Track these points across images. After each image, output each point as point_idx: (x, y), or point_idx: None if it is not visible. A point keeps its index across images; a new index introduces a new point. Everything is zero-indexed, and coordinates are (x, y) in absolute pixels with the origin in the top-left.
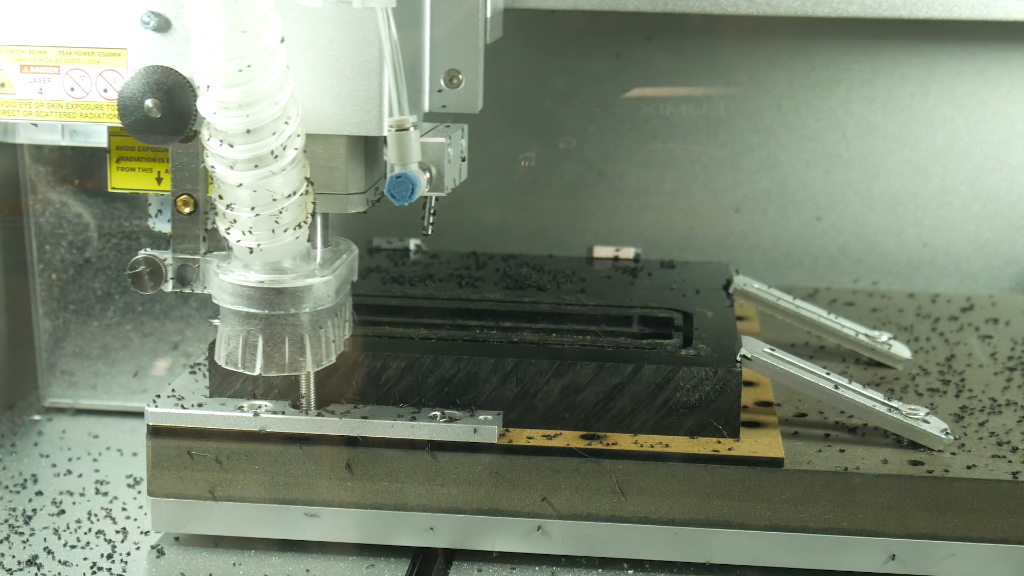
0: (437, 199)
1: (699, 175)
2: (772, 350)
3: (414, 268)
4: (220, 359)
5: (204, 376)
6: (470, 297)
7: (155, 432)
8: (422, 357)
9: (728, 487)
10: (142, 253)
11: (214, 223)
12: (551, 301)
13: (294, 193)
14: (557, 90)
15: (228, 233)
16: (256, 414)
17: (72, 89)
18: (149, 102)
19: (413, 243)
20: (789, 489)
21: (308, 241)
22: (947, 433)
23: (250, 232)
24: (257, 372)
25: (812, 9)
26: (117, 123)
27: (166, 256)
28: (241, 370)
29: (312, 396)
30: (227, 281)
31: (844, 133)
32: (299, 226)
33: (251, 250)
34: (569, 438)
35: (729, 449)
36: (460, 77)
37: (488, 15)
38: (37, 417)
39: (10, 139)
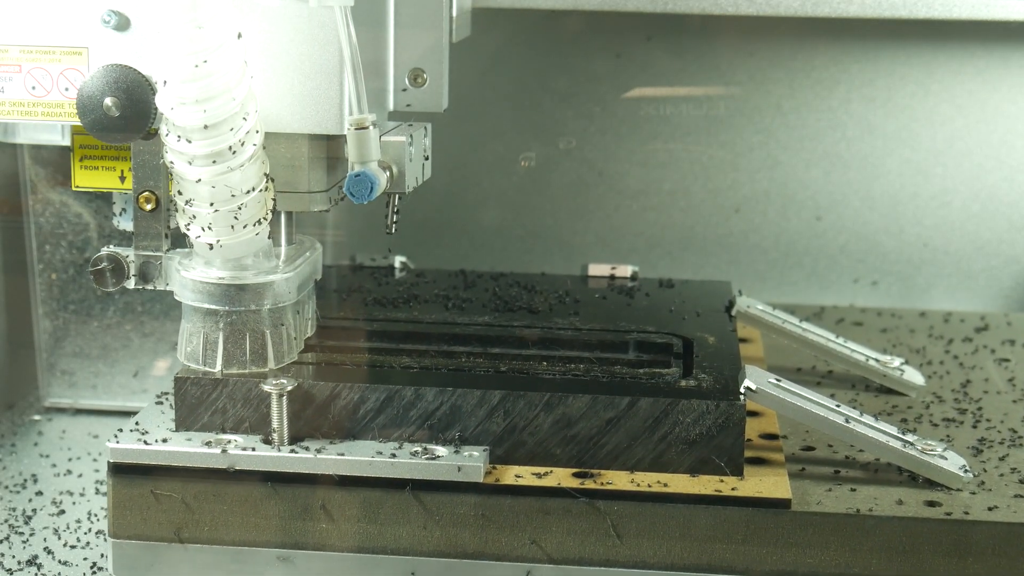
0: (401, 198)
1: (699, 175)
2: (778, 380)
3: (398, 288)
4: (181, 356)
5: (171, 407)
6: (456, 321)
7: (117, 470)
8: (403, 389)
9: (731, 530)
10: (104, 250)
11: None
12: (543, 325)
13: (253, 189)
14: (557, 90)
15: (188, 229)
16: (224, 450)
17: (33, 88)
18: (108, 101)
19: (399, 260)
20: (797, 532)
21: (270, 238)
22: (966, 470)
23: (209, 228)
24: (218, 369)
25: (812, 9)
26: (78, 122)
27: (128, 253)
28: (202, 367)
29: (285, 431)
30: (188, 278)
31: (844, 133)
32: (259, 222)
33: (211, 246)
34: (561, 476)
35: (732, 489)
36: (425, 76)
37: (454, 14)
38: (37, 417)
39: (10, 139)
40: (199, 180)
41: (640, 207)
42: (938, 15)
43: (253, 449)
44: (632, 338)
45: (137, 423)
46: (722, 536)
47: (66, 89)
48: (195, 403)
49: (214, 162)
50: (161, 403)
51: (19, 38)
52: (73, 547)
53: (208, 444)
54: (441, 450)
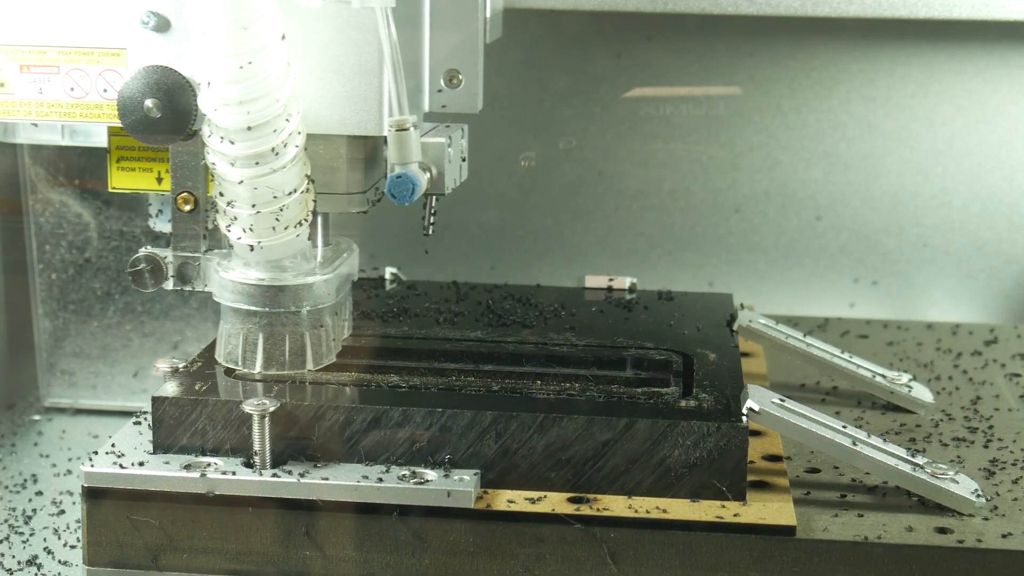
0: (438, 199)
1: (699, 175)
2: (781, 401)
3: (388, 301)
4: (220, 357)
5: (149, 428)
6: (448, 336)
7: (92, 494)
8: (390, 409)
9: (734, 558)
10: (143, 251)
11: (215, 221)
12: (537, 341)
13: (295, 191)
14: (557, 90)
15: (229, 231)
16: (203, 474)
17: (72, 89)
18: (149, 102)
19: (389, 272)
20: (802, 561)
21: (308, 240)
22: (978, 495)
23: (251, 230)
24: (257, 370)
25: (812, 9)
26: (117, 123)
27: (166, 254)
28: (241, 368)
29: (267, 453)
30: (228, 279)
31: (844, 133)
32: (300, 224)
33: (252, 248)
34: (555, 501)
35: (735, 515)
36: (460, 77)
37: (488, 15)
38: (37, 417)
39: (10, 139)
40: (241, 182)
41: (640, 207)
42: (938, 15)
43: (234, 473)
44: (630, 355)
45: (113, 445)
46: (724, 565)
47: (105, 90)
48: (173, 424)
49: (256, 163)
50: (139, 423)
51: (57, 39)
52: (73, 547)
53: (187, 468)
54: (430, 474)
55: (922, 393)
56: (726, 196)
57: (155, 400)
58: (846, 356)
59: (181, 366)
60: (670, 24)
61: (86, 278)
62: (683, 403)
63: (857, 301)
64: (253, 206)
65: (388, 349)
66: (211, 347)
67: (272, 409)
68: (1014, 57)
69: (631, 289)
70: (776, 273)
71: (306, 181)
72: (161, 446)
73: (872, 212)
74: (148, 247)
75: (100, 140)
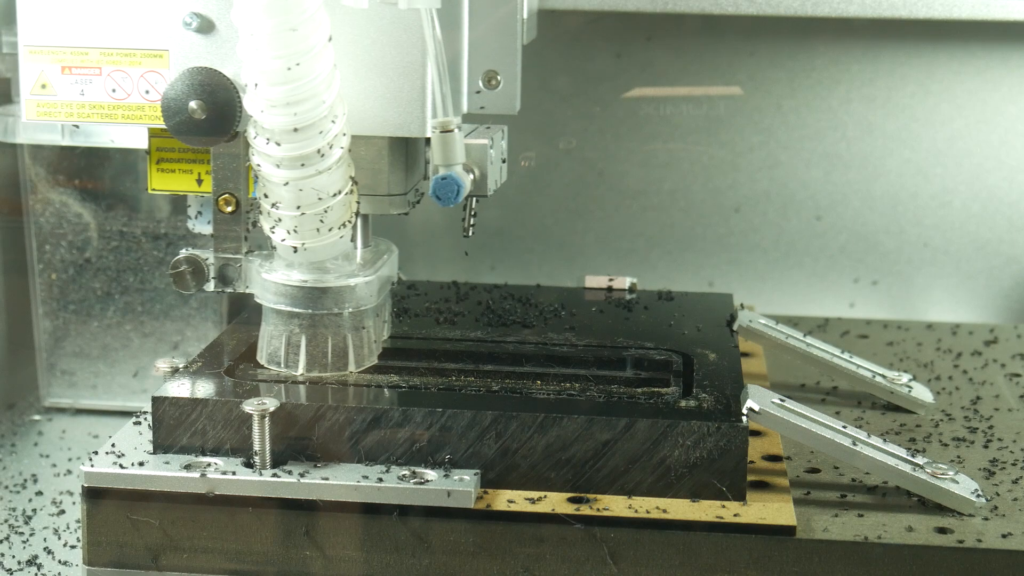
0: (478, 201)
1: (699, 175)
2: (781, 401)
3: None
4: (262, 358)
5: (149, 428)
6: (448, 336)
7: (92, 494)
8: (391, 409)
9: (734, 558)
10: (183, 252)
11: (256, 222)
12: (537, 341)
13: (339, 192)
14: (557, 90)
15: (272, 232)
16: (203, 474)
17: (113, 90)
18: (193, 103)
19: None
20: (802, 561)
21: (351, 241)
22: (978, 495)
23: (295, 231)
24: (300, 371)
25: (812, 9)
26: (158, 124)
27: (208, 256)
28: (284, 369)
29: (267, 453)
30: (270, 280)
31: (844, 133)
32: (343, 225)
33: (295, 249)
34: (555, 501)
35: (735, 515)
36: (498, 78)
37: (525, 16)
38: (37, 417)
39: (10, 139)
40: (286, 183)
41: (640, 207)
42: (938, 15)
43: (234, 473)
44: (630, 355)
45: (113, 445)
46: (724, 565)
47: (147, 92)
48: (174, 424)
49: (302, 165)
50: (139, 423)
51: (100, 41)
52: (73, 547)
53: (187, 468)
54: (430, 474)
55: (922, 393)
56: (726, 196)
57: (155, 400)
58: (846, 356)
59: (181, 366)
60: (670, 24)
61: (86, 278)
62: (683, 403)
63: (857, 301)
64: (298, 208)
65: (388, 349)
66: (211, 347)
67: (272, 409)
68: (1014, 57)
69: (631, 289)
70: (776, 273)
71: (350, 183)
72: (161, 446)
73: (872, 212)
74: (189, 248)
75: (100, 140)
